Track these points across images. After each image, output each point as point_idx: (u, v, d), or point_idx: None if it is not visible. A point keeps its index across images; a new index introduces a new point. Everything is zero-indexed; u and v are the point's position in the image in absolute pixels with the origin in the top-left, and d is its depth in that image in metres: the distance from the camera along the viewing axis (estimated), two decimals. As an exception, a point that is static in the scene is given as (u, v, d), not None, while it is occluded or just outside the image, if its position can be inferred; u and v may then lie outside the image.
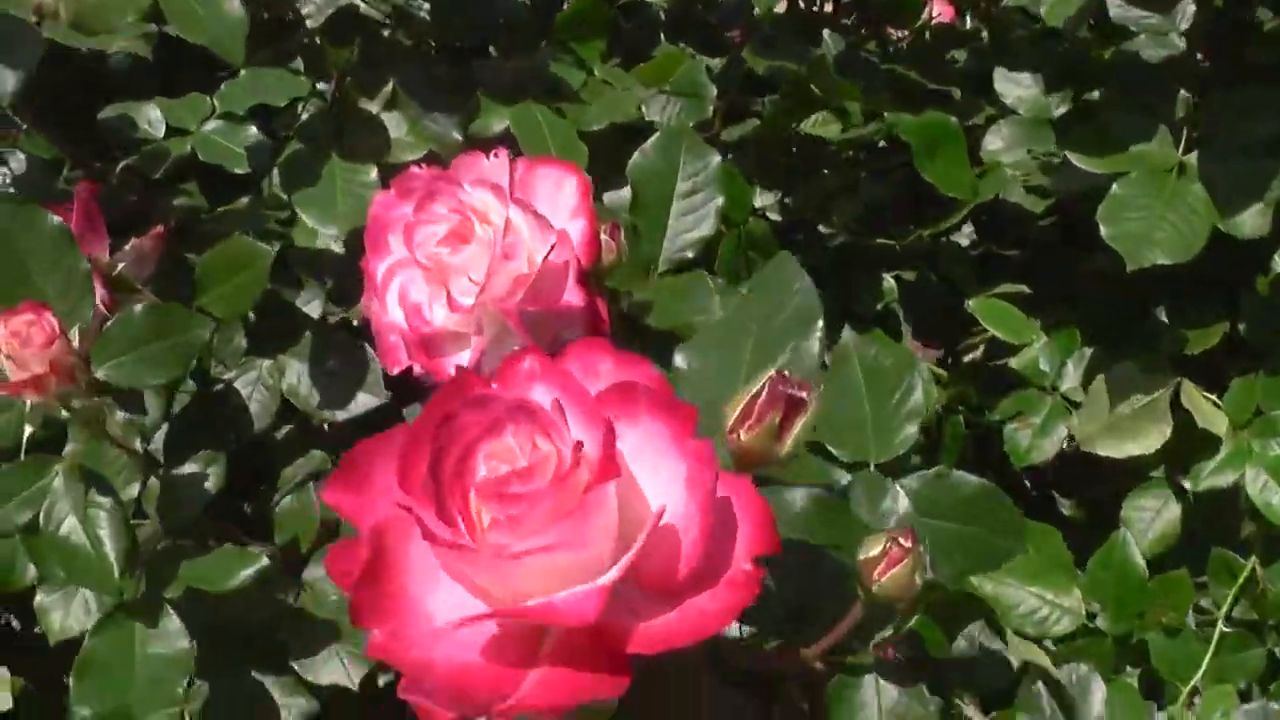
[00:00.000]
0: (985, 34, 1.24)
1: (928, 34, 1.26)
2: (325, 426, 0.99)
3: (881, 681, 0.56)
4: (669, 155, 0.81)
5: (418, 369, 0.71)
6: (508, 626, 0.42)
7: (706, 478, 0.42)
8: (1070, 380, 1.05)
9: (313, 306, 0.97)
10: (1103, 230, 0.87)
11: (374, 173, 0.89)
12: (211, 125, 0.98)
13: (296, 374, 0.94)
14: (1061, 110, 1.08)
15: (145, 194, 0.98)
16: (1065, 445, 1.04)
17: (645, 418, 0.44)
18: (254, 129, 0.97)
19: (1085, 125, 0.95)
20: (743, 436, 0.49)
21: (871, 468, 0.66)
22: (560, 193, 0.69)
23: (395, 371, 0.72)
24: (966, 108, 1.13)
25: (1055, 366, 1.06)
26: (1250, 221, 0.88)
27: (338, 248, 0.93)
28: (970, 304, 1.08)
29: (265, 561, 0.72)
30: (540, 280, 0.66)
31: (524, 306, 0.66)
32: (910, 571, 0.50)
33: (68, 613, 0.79)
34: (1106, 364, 1.03)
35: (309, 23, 0.96)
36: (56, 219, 0.69)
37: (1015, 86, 1.09)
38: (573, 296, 0.67)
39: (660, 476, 0.43)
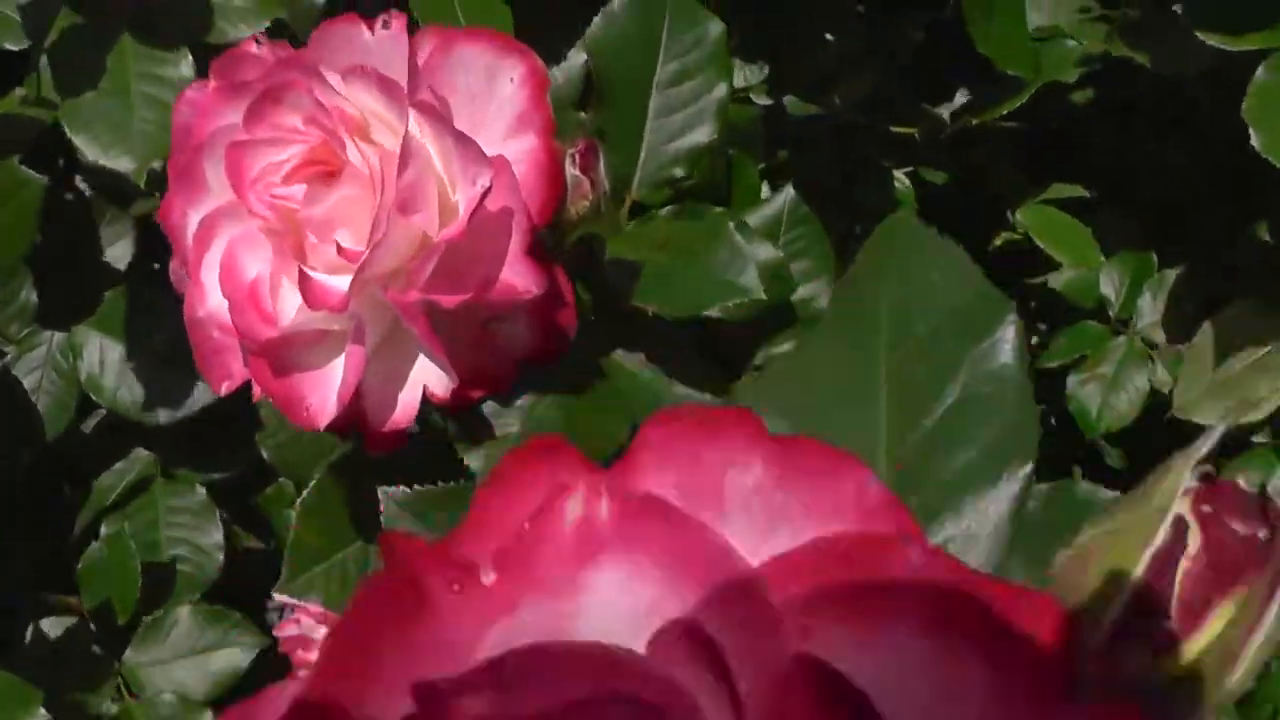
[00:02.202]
0: None
1: None
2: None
3: None
4: (648, 19, 0.52)
5: (259, 391, 0.43)
6: None
7: None
8: (1148, 316, 0.81)
9: (119, 249, 0.67)
10: (1255, 139, 0.60)
11: (187, 63, 0.58)
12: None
13: (99, 354, 0.64)
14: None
15: None
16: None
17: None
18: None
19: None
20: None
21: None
22: (495, 89, 0.40)
23: (225, 391, 0.44)
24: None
25: (1121, 293, 0.82)
26: None
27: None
28: (1016, 215, 0.83)
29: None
30: (464, 246, 0.38)
31: (435, 295, 0.38)
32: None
33: None
34: (1200, 295, 0.78)
35: None
36: None
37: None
38: (517, 274, 0.39)
39: None
